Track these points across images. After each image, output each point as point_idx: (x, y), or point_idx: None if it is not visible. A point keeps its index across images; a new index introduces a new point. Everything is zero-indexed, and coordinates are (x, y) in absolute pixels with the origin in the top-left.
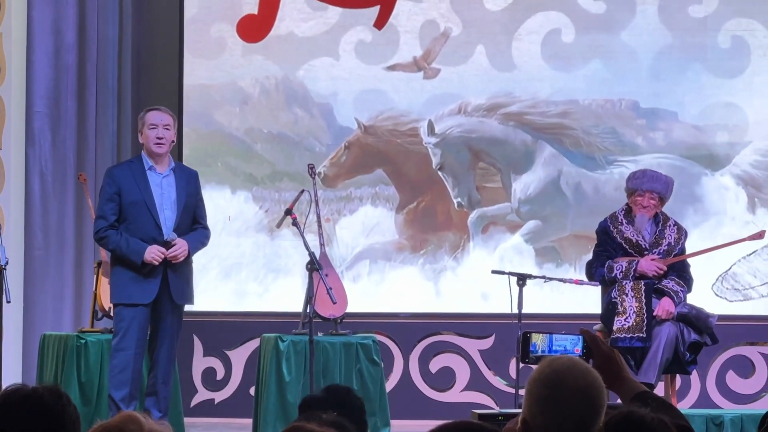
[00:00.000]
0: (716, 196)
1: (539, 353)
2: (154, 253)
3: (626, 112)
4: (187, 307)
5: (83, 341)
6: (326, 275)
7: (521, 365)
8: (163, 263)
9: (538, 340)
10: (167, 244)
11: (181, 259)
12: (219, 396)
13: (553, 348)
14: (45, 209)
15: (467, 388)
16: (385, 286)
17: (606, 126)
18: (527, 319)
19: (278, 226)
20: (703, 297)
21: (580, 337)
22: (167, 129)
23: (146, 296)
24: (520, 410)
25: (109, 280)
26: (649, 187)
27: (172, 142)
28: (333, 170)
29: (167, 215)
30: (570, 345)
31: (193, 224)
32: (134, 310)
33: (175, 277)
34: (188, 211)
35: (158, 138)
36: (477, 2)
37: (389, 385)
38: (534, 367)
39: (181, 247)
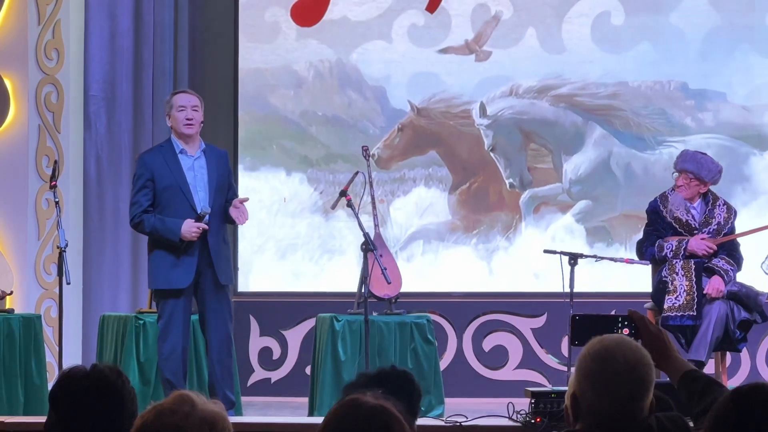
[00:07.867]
0: (765, 175)
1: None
2: (190, 229)
3: (675, 93)
4: (243, 288)
5: (141, 322)
6: (381, 255)
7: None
8: (203, 244)
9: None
10: (200, 217)
11: None
12: (275, 375)
13: None
14: (101, 192)
15: (520, 366)
16: (439, 266)
17: (655, 107)
18: (579, 298)
19: (333, 207)
20: (753, 275)
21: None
22: (195, 110)
23: (184, 280)
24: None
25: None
26: (681, 167)
27: (201, 123)
28: (387, 152)
29: (201, 197)
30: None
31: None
32: (176, 293)
33: (219, 258)
34: (221, 192)
35: (187, 119)
36: None
37: (443, 363)
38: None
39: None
